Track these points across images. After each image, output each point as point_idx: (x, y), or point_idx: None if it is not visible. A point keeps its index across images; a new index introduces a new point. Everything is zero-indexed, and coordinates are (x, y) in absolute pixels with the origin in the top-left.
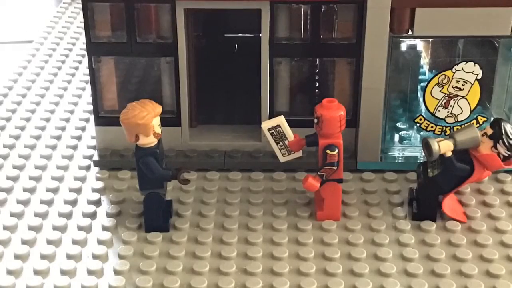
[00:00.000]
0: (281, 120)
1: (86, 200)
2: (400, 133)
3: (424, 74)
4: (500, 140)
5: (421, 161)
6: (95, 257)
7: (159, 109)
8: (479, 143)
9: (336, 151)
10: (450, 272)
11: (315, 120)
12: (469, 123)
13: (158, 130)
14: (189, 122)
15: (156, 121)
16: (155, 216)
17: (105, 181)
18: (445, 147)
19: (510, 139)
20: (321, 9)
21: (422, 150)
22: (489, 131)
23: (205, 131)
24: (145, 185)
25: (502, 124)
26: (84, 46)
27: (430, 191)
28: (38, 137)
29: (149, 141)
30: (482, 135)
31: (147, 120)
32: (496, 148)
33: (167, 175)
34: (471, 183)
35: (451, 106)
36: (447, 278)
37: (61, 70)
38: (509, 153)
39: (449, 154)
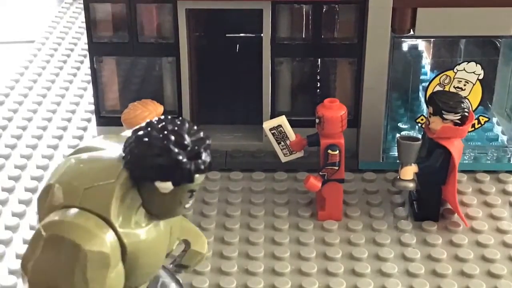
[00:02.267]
0: (282, 120)
1: None
2: (401, 133)
3: (425, 74)
4: (443, 111)
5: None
6: None
7: (160, 109)
8: (418, 145)
9: (338, 151)
10: (452, 272)
11: (317, 120)
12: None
13: None
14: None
15: None
16: None
17: None
18: (407, 175)
19: (448, 103)
20: (323, 9)
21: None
22: (431, 110)
23: (206, 131)
24: None
25: (435, 97)
26: (86, 46)
27: (430, 186)
28: (39, 137)
29: None
30: (429, 117)
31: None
32: (445, 120)
33: None
34: (473, 183)
35: None
36: (448, 278)
37: (63, 70)
38: (458, 116)
39: (410, 176)
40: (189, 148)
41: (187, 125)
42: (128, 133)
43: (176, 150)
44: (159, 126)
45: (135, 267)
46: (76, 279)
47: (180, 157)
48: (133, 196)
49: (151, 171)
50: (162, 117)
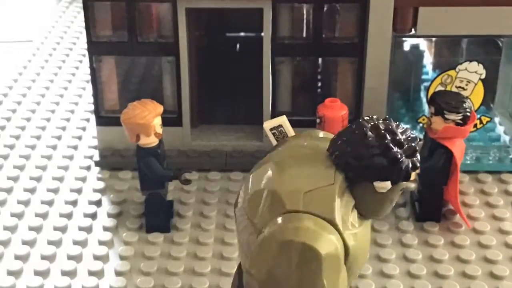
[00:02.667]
0: (283, 120)
1: (86, 200)
2: None
3: (427, 73)
4: (445, 111)
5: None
6: (96, 257)
7: (160, 109)
8: (419, 146)
9: None
10: (454, 273)
11: (318, 120)
12: None
13: (159, 130)
14: (190, 122)
15: (157, 121)
16: (156, 217)
17: (106, 181)
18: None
19: (450, 103)
20: (324, 8)
21: None
22: (432, 110)
23: (206, 131)
24: (146, 185)
25: (436, 97)
26: (85, 46)
27: (432, 187)
28: (38, 137)
29: (150, 141)
30: (430, 117)
31: (148, 120)
32: (447, 120)
33: (168, 176)
34: (474, 183)
35: None
36: (450, 279)
37: (62, 70)
38: (460, 116)
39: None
40: (405, 146)
41: (393, 123)
42: (319, 134)
43: (395, 149)
44: (370, 125)
45: (351, 270)
46: (312, 284)
47: (399, 156)
48: (347, 198)
49: (370, 171)
50: (366, 117)
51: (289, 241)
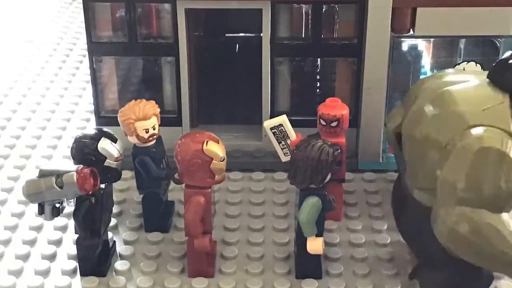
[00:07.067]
0: (283, 119)
1: None
2: None
3: (425, 74)
4: None
5: None
6: None
7: (157, 109)
8: None
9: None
10: None
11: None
12: None
13: (142, 134)
14: (190, 122)
15: (141, 125)
16: (154, 216)
17: None
18: None
19: None
20: (322, 8)
21: None
22: None
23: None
24: (142, 184)
25: None
26: (85, 46)
27: None
28: (39, 137)
29: (137, 141)
30: None
31: (128, 122)
32: None
33: (162, 175)
34: None
35: None
36: None
37: (62, 70)
38: None
39: None
40: None
41: None
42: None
43: None
44: None
45: None
46: (501, 183)
47: None
48: None
49: None
50: None
51: (486, 148)
